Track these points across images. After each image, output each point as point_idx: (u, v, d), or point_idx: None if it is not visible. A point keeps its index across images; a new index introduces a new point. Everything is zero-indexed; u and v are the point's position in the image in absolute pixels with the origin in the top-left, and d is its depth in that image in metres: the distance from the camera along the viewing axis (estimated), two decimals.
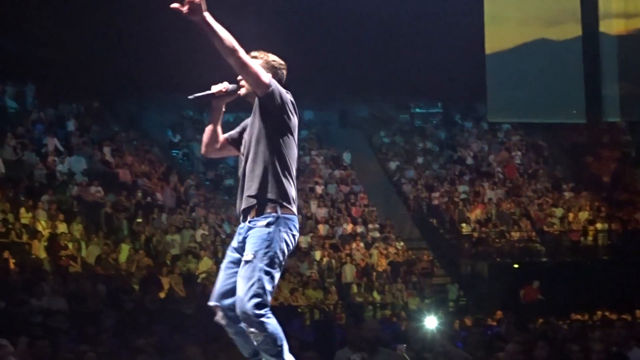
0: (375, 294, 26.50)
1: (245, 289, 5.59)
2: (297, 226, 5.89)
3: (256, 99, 5.85)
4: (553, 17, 36.28)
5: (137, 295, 21.13)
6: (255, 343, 5.68)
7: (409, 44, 36.47)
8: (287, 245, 5.79)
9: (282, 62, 6.06)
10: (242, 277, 5.66)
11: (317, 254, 28.08)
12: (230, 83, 5.97)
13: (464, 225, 30.55)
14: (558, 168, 37.04)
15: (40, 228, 24.13)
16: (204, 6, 5.36)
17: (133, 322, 18.22)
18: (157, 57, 33.49)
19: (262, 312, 5.56)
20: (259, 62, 5.80)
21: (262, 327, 5.57)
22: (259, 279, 5.58)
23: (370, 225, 31.11)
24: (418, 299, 26.37)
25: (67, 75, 32.89)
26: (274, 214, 5.73)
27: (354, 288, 26.59)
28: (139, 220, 27.05)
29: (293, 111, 5.89)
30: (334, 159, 37.56)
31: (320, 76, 37.82)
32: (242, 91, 5.97)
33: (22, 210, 24.68)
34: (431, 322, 12.99)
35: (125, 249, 24.77)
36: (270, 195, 5.78)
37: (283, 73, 6.05)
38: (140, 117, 38.22)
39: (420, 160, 37.80)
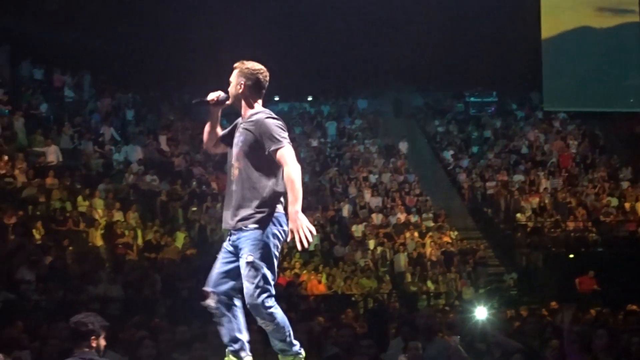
0: (429, 284, 26.44)
1: (252, 288, 6.17)
2: (286, 220, 6.27)
3: (254, 134, 6.45)
4: (609, 2, 35.90)
5: (192, 283, 21.27)
6: (267, 331, 6.32)
7: (464, 33, 36.30)
8: (279, 239, 6.31)
9: (256, 68, 6.58)
10: (246, 277, 6.22)
11: (371, 243, 28.07)
12: (225, 93, 6.60)
13: (519, 214, 30.35)
14: (615, 157, 36.61)
15: (97, 216, 24.40)
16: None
17: (188, 310, 18.36)
18: (213, 47, 33.66)
19: (270, 304, 6.18)
20: (234, 73, 6.56)
21: (271, 317, 6.20)
22: (263, 276, 6.17)
23: (424, 215, 31.04)
24: (472, 288, 26.25)
25: (123, 65, 33.19)
26: (261, 216, 6.25)
27: (408, 277, 26.55)
28: (194, 208, 27.22)
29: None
30: (388, 148, 37.50)
31: (374, 65, 37.78)
32: (230, 100, 6.60)
33: (79, 198, 24.97)
34: (484, 312, 12.96)
35: (180, 237, 24.95)
36: (259, 202, 6.29)
37: (257, 77, 6.56)
38: (196, 106, 38.41)
39: (475, 149, 37.62)
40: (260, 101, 6.56)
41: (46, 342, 10.83)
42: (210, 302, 6.56)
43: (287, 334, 6.28)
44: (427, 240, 28.47)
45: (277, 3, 34.51)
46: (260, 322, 6.27)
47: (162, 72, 34.76)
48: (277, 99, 42.55)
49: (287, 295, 22.80)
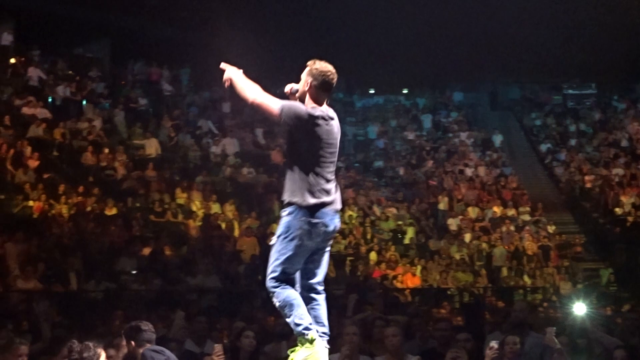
0: (525, 278, 26.17)
1: (268, 267, 6.65)
2: (320, 214, 6.51)
3: None
4: None
5: None
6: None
7: (562, 23, 35.76)
8: (309, 231, 6.49)
9: (324, 69, 6.72)
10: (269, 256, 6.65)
11: (467, 237, 27.90)
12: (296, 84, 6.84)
13: (617, 209, 29.82)
14: None
15: (194, 208, 24.73)
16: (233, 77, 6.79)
17: None
18: (310, 40, 33.82)
19: (275, 284, 6.60)
20: (305, 70, 6.74)
21: (275, 297, 6.58)
22: (277, 259, 6.60)
23: (520, 209, 30.72)
24: (570, 283, 25.90)
25: (221, 58, 33.53)
26: (293, 206, 6.50)
27: (504, 271, 26.32)
28: None
29: (312, 121, 6.51)
30: (484, 141, 37.22)
31: (470, 57, 37.50)
32: (298, 94, 6.79)
33: (178, 190, 25.33)
34: (582, 308, 12.78)
35: (275, 229, 25.07)
36: (292, 190, 6.54)
37: (324, 79, 6.69)
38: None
39: (572, 142, 37.07)
40: (326, 98, 6.75)
41: None
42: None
43: (290, 313, 6.51)
44: (524, 235, 28.16)
45: None
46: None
47: (257, 64, 34.98)
48: (372, 92, 42.59)
49: (382, 288, 22.85)
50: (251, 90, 6.66)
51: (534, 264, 26.78)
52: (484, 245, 27.32)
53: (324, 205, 6.46)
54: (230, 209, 25.37)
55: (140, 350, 7.60)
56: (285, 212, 6.56)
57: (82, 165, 25.16)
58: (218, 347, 8.40)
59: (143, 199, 24.20)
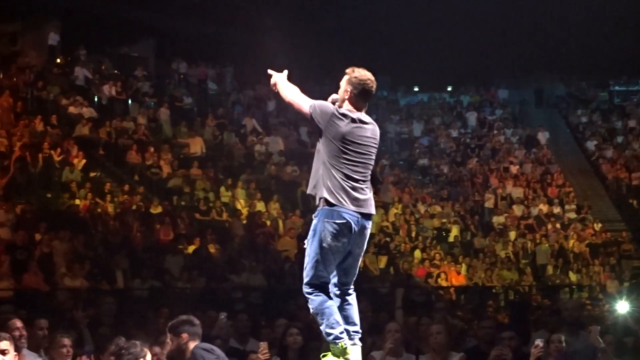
0: (571, 276, 25.98)
1: (303, 272, 6.58)
2: (344, 214, 6.46)
3: None
4: None
5: None
6: None
7: (609, 18, 35.46)
8: (332, 232, 6.45)
9: (363, 77, 6.73)
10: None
11: (512, 235, 27.74)
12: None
13: None
14: None
15: (239, 206, 24.81)
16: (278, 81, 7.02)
17: None
18: (355, 39, 33.81)
19: (309, 290, 6.55)
20: (344, 79, 6.76)
21: (310, 304, 6.58)
22: (308, 263, 6.54)
23: (566, 206, 30.49)
24: (616, 281, 25.66)
25: (265, 57, 33.61)
26: (319, 208, 6.55)
27: (550, 269, 26.15)
28: None
29: (338, 118, 6.56)
30: (530, 138, 36.97)
31: (516, 54, 37.31)
32: (338, 103, 6.75)
33: (222, 189, 25.43)
34: (625, 306, 12.67)
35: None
36: (318, 192, 6.59)
37: (363, 87, 6.70)
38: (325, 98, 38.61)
39: (619, 139, 36.70)
40: (364, 106, 6.76)
41: None
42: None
43: (322, 321, 6.51)
44: (570, 232, 27.96)
45: None
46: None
47: (304, 63, 35.04)
48: (416, 89, 42.47)
49: (427, 286, 22.81)
50: (289, 91, 6.83)
51: (580, 261, 26.58)
52: (529, 243, 27.16)
53: (344, 205, 6.42)
54: (274, 207, 25.44)
55: (191, 346, 7.62)
56: (314, 215, 6.59)
57: (128, 163, 25.35)
58: (264, 345, 8.40)
59: (188, 197, 24.34)
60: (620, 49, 36.11)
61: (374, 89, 6.75)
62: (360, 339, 6.66)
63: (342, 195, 6.44)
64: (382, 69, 39.37)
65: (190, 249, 21.07)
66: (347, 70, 6.78)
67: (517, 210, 29.72)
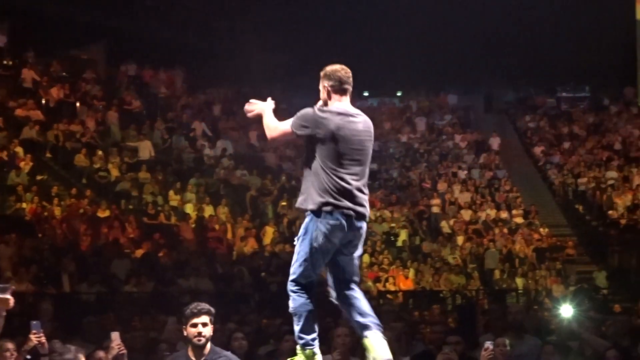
0: (518, 281, 26.21)
1: (290, 269, 6.58)
2: (335, 215, 6.32)
3: None
4: None
5: (280, 277, 21.44)
6: None
7: (557, 26, 35.88)
8: (324, 233, 6.33)
9: (335, 68, 6.68)
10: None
11: (460, 239, 27.94)
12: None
13: (611, 212, 29.86)
14: None
15: (188, 210, 24.74)
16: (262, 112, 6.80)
17: (278, 304, 18.53)
18: (304, 43, 33.87)
19: (294, 287, 6.54)
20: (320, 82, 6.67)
21: (291, 301, 6.53)
22: (296, 261, 6.54)
23: (514, 211, 30.75)
24: (562, 286, 25.94)
25: (215, 60, 33.60)
26: (312, 207, 6.36)
27: (497, 274, 26.36)
28: (283, 203, 27.41)
29: (321, 115, 6.45)
30: (478, 144, 37.23)
31: (465, 60, 37.56)
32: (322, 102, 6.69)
33: (171, 192, 25.36)
34: (573, 310, 12.85)
35: (269, 232, 25.15)
36: (310, 192, 6.39)
37: (339, 77, 6.63)
38: (287, 102, 38.61)
39: (566, 145, 37.09)
40: (345, 99, 6.65)
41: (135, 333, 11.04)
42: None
43: (298, 323, 6.53)
44: (517, 237, 28.20)
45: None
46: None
47: (254, 67, 35.05)
48: (366, 94, 42.56)
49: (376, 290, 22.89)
50: (269, 129, 6.64)
51: (527, 266, 26.82)
52: (477, 247, 27.35)
53: (337, 206, 6.27)
54: (223, 211, 25.41)
55: None
56: (307, 213, 6.44)
57: (76, 167, 25.20)
58: (115, 335, 8.11)
59: (136, 201, 24.24)
60: (568, 56, 36.51)
61: (350, 78, 6.65)
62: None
63: (335, 195, 6.30)
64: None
65: (138, 252, 20.98)
66: (321, 73, 6.72)
67: (465, 215, 29.91)
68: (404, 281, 24.04)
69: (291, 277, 6.51)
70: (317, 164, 6.35)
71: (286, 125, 6.48)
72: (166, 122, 30.07)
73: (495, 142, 37.10)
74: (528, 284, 26.04)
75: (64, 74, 30.50)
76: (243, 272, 21.24)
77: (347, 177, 6.34)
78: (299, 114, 6.45)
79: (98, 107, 29.26)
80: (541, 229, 29.43)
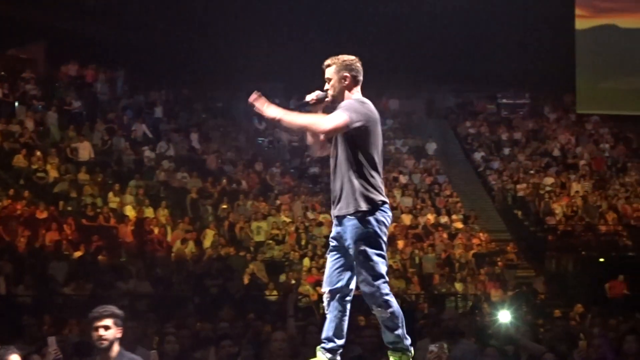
0: (457, 285, 26.38)
1: (367, 273, 6.16)
2: (387, 212, 6.32)
3: None
4: None
5: (220, 280, 21.39)
6: (380, 319, 6.31)
7: (498, 33, 36.18)
8: (385, 223, 6.26)
9: (353, 58, 6.65)
10: (361, 263, 6.19)
11: (400, 244, 28.04)
12: (322, 91, 6.62)
13: (549, 217, 30.21)
14: None
15: (127, 212, 24.55)
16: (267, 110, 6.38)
17: (217, 307, 18.47)
18: (247, 46, 33.78)
19: (386, 290, 6.20)
20: (332, 71, 6.58)
21: (387, 304, 6.19)
22: (375, 263, 6.17)
23: (454, 216, 30.95)
24: (501, 290, 26.16)
25: (157, 62, 33.38)
26: (361, 209, 6.18)
27: (436, 278, 26.50)
28: (224, 206, 27.34)
29: (367, 119, 6.36)
30: (419, 149, 37.44)
31: (406, 65, 37.71)
32: (331, 97, 6.56)
33: (110, 194, 25.15)
34: (507, 316, 12.98)
35: (210, 235, 25.06)
36: (354, 194, 6.23)
37: (358, 67, 6.61)
38: (228, 105, 38.58)
39: (506, 151, 37.45)
40: (359, 89, 6.60)
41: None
42: (325, 298, 6.44)
43: (401, 324, 6.30)
44: (457, 242, 28.40)
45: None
46: (375, 309, 6.25)
47: (196, 69, 34.89)
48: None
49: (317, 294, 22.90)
50: (317, 123, 6.33)
51: (466, 271, 27.00)
52: (417, 252, 27.48)
53: (385, 201, 6.30)
54: (163, 214, 25.26)
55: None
56: (355, 213, 6.22)
57: (14, 167, 24.87)
58: (51, 340, 8.08)
59: (75, 203, 23.98)
60: (508, 63, 36.82)
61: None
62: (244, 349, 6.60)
63: (382, 189, 6.34)
64: (275, 76, 39.47)
65: (77, 254, 20.77)
66: (330, 62, 6.63)
67: (406, 219, 30.02)
68: None
69: (383, 280, 6.19)
70: (358, 159, 6.26)
71: (339, 118, 6.22)
72: (106, 123, 29.82)
73: (436, 148, 37.35)
74: (467, 288, 26.22)
75: (3, 73, 30.14)
76: (182, 275, 21.15)
77: (380, 171, 6.41)
78: (345, 105, 6.31)
79: (37, 107, 28.95)
80: (480, 234, 29.65)
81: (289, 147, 36.93)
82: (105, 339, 7.08)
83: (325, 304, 6.40)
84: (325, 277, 6.42)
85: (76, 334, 12.01)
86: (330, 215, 6.42)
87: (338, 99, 6.50)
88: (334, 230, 6.37)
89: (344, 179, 6.27)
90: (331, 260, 6.41)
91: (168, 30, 33.39)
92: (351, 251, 6.21)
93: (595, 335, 11.50)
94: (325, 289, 6.39)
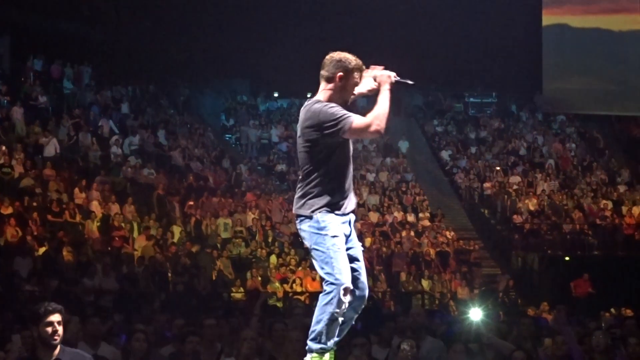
0: (424, 283, 26.43)
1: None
2: None
3: None
4: (616, 6, 35.91)
5: (186, 277, 21.30)
6: (349, 321, 6.17)
7: (466, 32, 36.32)
8: None
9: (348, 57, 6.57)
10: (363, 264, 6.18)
11: (367, 241, 28.05)
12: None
13: (515, 216, 30.36)
14: (612, 161, 36.64)
15: (93, 208, 24.39)
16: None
17: (183, 304, 18.38)
18: (213, 43, 33.69)
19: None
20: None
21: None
22: None
23: (420, 214, 31.01)
24: (467, 289, 26.24)
25: (123, 58, 33.21)
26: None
27: (403, 276, 26.53)
28: (191, 203, 27.24)
29: None
30: (386, 147, 37.50)
31: (374, 63, 37.77)
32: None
33: (76, 190, 24.95)
34: (478, 313, 12.98)
35: (176, 232, 24.96)
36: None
37: (352, 64, 6.54)
38: (195, 101, 38.48)
39: (473, 150, 37.61)
40: None
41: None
42: (348, 298, 5.99)
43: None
44: (424, 240, 28.45)
45: None
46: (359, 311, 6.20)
47: (163, 66, 34.76)
48: (276, 95, 42.58)
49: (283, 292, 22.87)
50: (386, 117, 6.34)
51: (433, 269, 27.07)
52: (384, 249, 27.51)
53: None
54: (129, 210, 25.11)
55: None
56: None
57: None
58: (16, 338, 7.95)
59: (40, 199, 23.77)
60: (476, 62, 37.00)
61: None
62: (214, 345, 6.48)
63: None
64: (242, 73, 39.41)
65: (41, 250, 20.60)
66: (338, 57, 6.58)
67: (373, 217, 30.05)
68: (311, 282, 24.04)
69: None
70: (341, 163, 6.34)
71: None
72: (72, 119, 29.60)
73: (403, 146, 37.43)
74: (433, 286, 26.28)
75: None
76: (148, 271, 21.03)
77: None
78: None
79: (2, 102, 28.69)
80: (447, 232, 29.73)
81: (256, 144, 36.92)
82: (59, 335, 6.88)
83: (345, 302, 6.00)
84: (348, 272, 6.04)
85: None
86: (343, 212, 6.26)
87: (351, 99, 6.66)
88: (345, 227, 6.24)
89: (351, 177, 6.37)
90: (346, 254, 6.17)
91: (135, 26, 33.22)
92: (360, 246, 6.27)
93: (561, 332, 11.53)
94: (349, 284, 6.00)
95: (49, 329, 6.79)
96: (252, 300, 16.06)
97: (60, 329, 6.84)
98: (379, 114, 6.27)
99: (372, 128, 6.24)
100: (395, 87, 6.46)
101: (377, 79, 6.43)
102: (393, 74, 6.53)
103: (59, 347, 6.90)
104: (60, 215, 23.21)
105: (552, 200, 31.31)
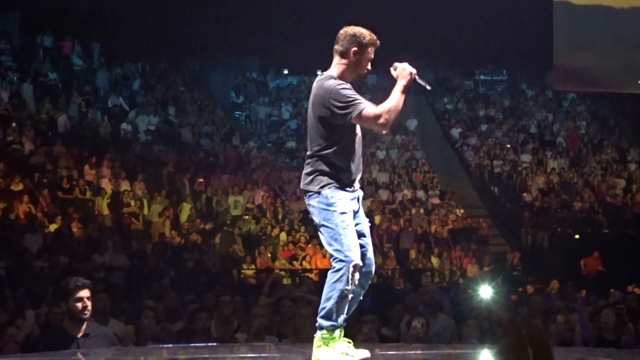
0: (433, 261, 26.44)
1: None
2: None
3: None
4: None
5: (196, 254, 21.33)
6: (356, 297, 6.20)
7: (477, 8, 36.12)
8: None
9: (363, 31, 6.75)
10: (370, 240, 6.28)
11: (377, 219, 28.05)
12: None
13: (525, 194, 30.31)
14: (623, 139, 36.54)
15: (103, 185, 24.42)
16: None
17: (193, 281, 18.43)
18: (223, 20, 33.59)
19: None
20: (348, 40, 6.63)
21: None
22: None
23: (430, 192, 31.00)
24: (477, 266, 26.24)
25: (134, 34, 33.13)
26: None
27: (412, 254, 26.54)
28: (201, 180, 27.25)
29: None
30: (396, 125, 37.42)
31: (384, 41, 37.63)
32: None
33: (86, 167, 24.98)
34: (488, 291, 13.00)
35: (186, 209, 24.97)
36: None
37: (367, 39, 6.73)
38: (205, 78, 38.43)
39: (483, 127, 37.54)
40: None
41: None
42: (357, 275, 6.04)
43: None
44: (433, 218, 28.44)
45: None
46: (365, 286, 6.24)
47: (173, 42, 34.68)
48: (286, 72, 42.49)
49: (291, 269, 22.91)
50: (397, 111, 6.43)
51: (442, 246, 27.06)
52: (394, 227, 27.50)
53: None
54: (139, 187, 25.13)
55: None
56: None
57: None
58: (29, 314, 8.00)
59: (51, 175, 23.80)
60: (486, 39, 36.82)
61: None
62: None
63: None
64: (251, 50, 39.31)
65: (52, 227, 20.65)
66: (352, 32, 6.72)
67: (383, 195, 30.05)
68: (321, 260, 24.06)
69: None
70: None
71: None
72: (83, 96, 29.61)
73: (412, 124, 37.37)
74: (442, 264, 26.29)
75: None
76: (158, 248, 21.07)
77: None
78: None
79: (12, 79, 28.71)
80: (457, 210, 29.71)
81: (266, 121, 36.90)
82: (89, 310, 6.99)
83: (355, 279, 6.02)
84: (357, 249, 6.07)
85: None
86: (352, 189, 6.31)
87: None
88: (354, 204, 6.28)
89: (361, 154, 6.43)
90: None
91: (145, 2, 33.11)
92: (367, 222, 6.33)
93: (572, 310, 11.55)
94: (358, 261, 6.03)
95: (79, 305, 6.91)
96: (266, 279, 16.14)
97: (89, 304, 6.95)
98: (390, 108, 6.32)
99: (381, 120, 6.26)
100: (412, 85, 6.59)
101: (397, 69, 6.38)
102: (414, 71, 6.61)
103: (86, 322, 7.02)
104: (70, 192, 23.24)
105: (562, 178, 31.25)
